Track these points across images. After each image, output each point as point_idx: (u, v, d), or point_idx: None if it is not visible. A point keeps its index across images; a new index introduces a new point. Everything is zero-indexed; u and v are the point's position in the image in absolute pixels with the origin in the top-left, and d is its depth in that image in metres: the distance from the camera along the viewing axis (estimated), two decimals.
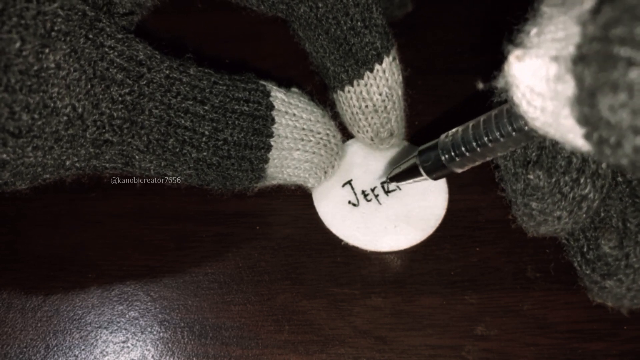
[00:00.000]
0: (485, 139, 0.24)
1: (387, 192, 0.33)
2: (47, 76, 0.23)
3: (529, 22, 0.19)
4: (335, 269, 0.32)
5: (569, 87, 0.17)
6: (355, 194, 0.33)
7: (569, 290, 0.30)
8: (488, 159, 0.25)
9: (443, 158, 0.26)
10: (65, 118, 0.24)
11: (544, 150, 0.26)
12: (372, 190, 0.34)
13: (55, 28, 0.23)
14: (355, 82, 0.31)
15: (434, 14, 0.41)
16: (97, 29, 0.25)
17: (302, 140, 0.31)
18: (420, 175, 0.28)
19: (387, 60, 0.30)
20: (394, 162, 0.34)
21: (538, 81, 0.18)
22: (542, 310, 0.30)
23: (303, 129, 0.30)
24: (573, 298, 0.30)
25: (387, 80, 0.31)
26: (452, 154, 0.26)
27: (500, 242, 0.32)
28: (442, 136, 0.27)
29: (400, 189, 0.33)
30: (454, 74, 0.39)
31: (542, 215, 0.27)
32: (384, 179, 0.33)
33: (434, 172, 0.28)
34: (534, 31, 0.18)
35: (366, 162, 0.34)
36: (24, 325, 0.30)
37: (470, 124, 0.25)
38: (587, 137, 0.17)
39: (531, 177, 0.26)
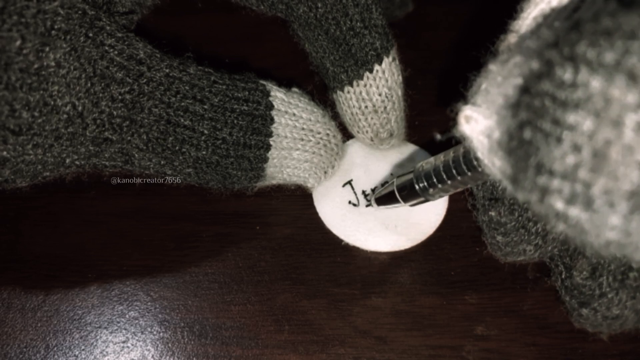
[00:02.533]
0: (454, 171, 0.25)
1: None
2: (47, 74, 0.23)
3: (480, 74, 0.20)
4: (335, 269, 0.32)
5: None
6: (355, 194, 0.33)
7: None
8: (460, 189, 0.26)
9: (417, 187, 0.27)
10: (65, 116, 0.24)
11: None
12: (373, 190, 0.34)
13: (56, 27, 0.23)
14: (354, 83, 0.31)
15: (435, 14, 0.42)
16: (97, 28, 0.25)
17: (302, 140, 0.31)
18: (398, 202, 0.29)
19: (386, 61, 0.30)
20: (394, 163, 0.34)
21: (486, 139, 0.19)
22: (542, 310, 0.30)
23: (303, 128, 0.30)
24: None
25: (386, 80, 0.31)
26: (426, 183, 0.27)
27: None
28: (418, 166, 0.27)
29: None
30: (454, 74, 0.39)
31: (508, 247, 0.28)
32: (367, 203, 0.33)
33: (409, 200, 0.29)
34: (483, 86, 0.20)
35: (366, 162, 0.34)
36: (24, 325, 0.30)
37: (442, 155, 0.26)
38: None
39: (492, 213, 0.27)
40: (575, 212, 0.16)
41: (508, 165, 0.18)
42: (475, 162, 0.23)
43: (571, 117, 0.15)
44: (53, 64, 0.23)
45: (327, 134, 0.32)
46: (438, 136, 0.22)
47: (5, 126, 0.23)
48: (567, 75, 0.15)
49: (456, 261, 0.32)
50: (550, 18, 0.20)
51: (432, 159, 0.26)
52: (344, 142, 0.34)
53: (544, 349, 0.29)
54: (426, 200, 0.28)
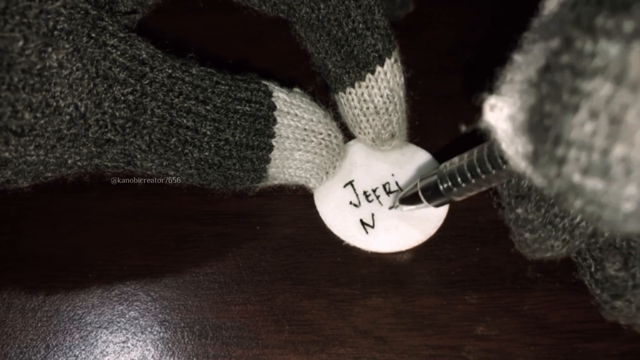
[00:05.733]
0: (479, 170, 0.25)
1: (388, 192, 0.33)
2: (49, 75, 0.23)
3: (507, 65, 0.20)
4: (335, 269, 0.32)
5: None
6: (356, 194, 0.33)
7: (569, 290, 0.30)
8: (484, 188, 0.26)
9: (441, 187, 0.27)
10: (67, 117, 0.24)
11: (534, 184, 0.27)
12: (374, 190, 0.34)
13: (58, 27, 0.23)
14: (356, 84, 0.31)
15: (435, 14, 0.42)
16: (99, 28, 0.25)
17: (304, 140, 0.31)
18: (422, 202, 0.29)
19: (388, 62, 0.30)
20: (396, 164, 0.34)
21: (510, 127, 0.19)
22: (542, 310, 0.30)
23: (305, 129, 0.30)
24: (573, 298, 0.30)
25: (388, 82, 0.31)
26: (450, 184, 0.27)
27: (501, 242, 0.32)
28: (441, 166, 0.28)
29: (402, 190, 0.33)
30: (455, 73, 0.39)
31: (536, 244, 0.28)
32: (391, 205, 0.33)
33: (434, 200, 0.29)
34: (508, 77, 0.20)
35: (368, 163, 0.34)
36: (24, 325, 0.30)
37: (466, 155, 0.26)
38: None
39: (519, 211, 0.27)
40: (592, 183, 0.16)
41: (529, 144, 0.18)
42: (499, 160, 0.23)
43: (589, 85, 0.16)
44: (55, 64, 0.23)
45: (329, 135, 0.32)
46: (463, 127, 0.22)
47: (7, 127, 0.23)
48: (586, 46, 0.16)
49: (456, 261, 0.32)
50: (570, 2, 0.20)
51: (455, 159, 0.27)
52: (345, 142, 0.34)
53: (544, 349, 0.29)
54: (450, 201, 0.28)
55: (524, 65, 0.19)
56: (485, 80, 0.21)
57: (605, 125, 0.15)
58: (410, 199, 0.30)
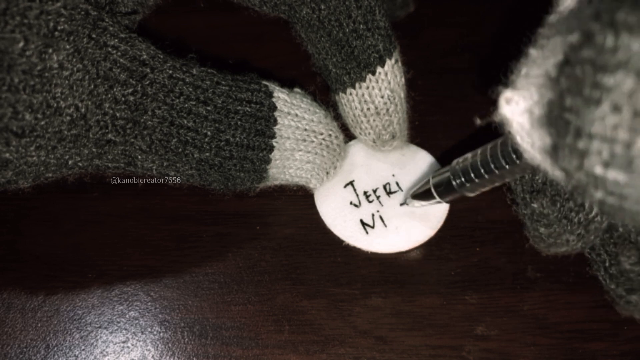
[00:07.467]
0: (492, 165, 0.25)
1: (388, 193, 0.33)
2: (50, 76, 0.23)
3: (521, 59, 0.20)
4: (335, 269, 0.32)
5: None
6: (357, 194, 0.33)
7: (569, 290, 0.30)
8: (497, 184, 0.26)
9: (454, 183, 0.27)
10: (68, 118, 0.24)
11: (549, 178, 0.27)
12: (374, 191, 0.34)
13: (59, 28, 0.23)
14: (357, 85, 0.31)
15: (435, 14, 0.41)
16: (100, 29, 0.25)
17: (305, 141, 0.31)
18: (434, 198, 0.30)
19: (389, 63, 0.30)
20: (396, 164, 0.34)
21: (527, 121, 0.19)
22: (542, 310, 0.30)
23: (305, 129, 0.30)
24: (573, 298, 0.30)
25: (389, 83, 0.31)
26: (463, 179, 0.27)
27: (501, 242, 0.32)
28: (454, 162, 0.28)
29: (402, 190, 0.34)
30: (455, 73, 0.39)
31: (551, 239, 0.28)
32: (402, 201, 0.33)
33: (446, 196, 0.29)
34: (523, 71, 0.20)
35: (368, 163, 0.34)
36: (24, 325, 0.30)
37: (479, 151, 0.26)
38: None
39: (535, 205, 0.27)
40: (613, 174, 0.16)
41: (548, 137, 0.18)
42: (513, 156, 0.23)
43: (611, 79, 0.16)
44: (56, 65, 0.23)
45: (330, 135, 0.32)
46: (478, 121, 0.22)
47: (8, 128, 0.23)
48: (607, 40, 0.16)
49: (456, 261, 0.32)
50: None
51: (468, 155, 0.27)
52: (345, 142, 0.34)
53: (544, 349, 0.29)
54: (462, 196, 0.28)
55: (540, 60, 0.19)
56: (498, 76, 0.21)
57: (628, 118, 0.15)
58: (422, 195, 0.31)
